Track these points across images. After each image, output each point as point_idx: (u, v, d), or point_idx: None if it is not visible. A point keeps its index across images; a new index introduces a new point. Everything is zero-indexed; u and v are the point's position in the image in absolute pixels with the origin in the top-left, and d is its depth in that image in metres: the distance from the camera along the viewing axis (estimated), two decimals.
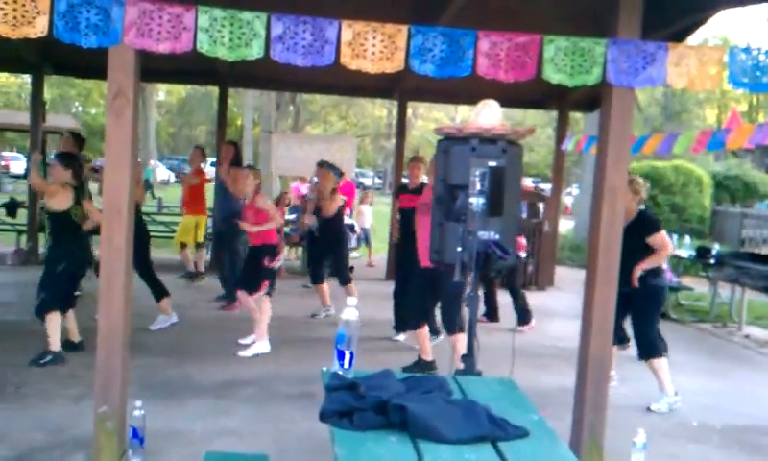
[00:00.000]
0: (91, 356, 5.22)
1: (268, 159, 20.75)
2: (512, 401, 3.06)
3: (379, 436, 2.57)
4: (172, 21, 3.80)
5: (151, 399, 4.51)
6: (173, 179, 35.78)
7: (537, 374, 6.54)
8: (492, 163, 4.00)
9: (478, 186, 3.99)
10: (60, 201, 6.19)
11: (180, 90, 41.29)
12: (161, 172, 37.89)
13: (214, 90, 35.39)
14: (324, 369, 3.16)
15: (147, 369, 5.98)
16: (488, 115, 4.24)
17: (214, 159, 11.18)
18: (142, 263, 7.09)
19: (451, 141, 4.21)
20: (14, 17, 3.71)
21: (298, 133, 23.44)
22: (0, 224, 12.47)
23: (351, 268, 11.98)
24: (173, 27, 3.80)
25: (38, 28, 3.71)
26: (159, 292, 7.49)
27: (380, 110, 41.07)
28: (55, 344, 6.12)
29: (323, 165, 8.52)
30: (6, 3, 3.70)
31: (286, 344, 7.28)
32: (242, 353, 6.82)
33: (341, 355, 3.01)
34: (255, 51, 3.91)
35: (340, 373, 2.97)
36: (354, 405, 2.66)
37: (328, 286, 8.71)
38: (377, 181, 42.88)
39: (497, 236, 4.05)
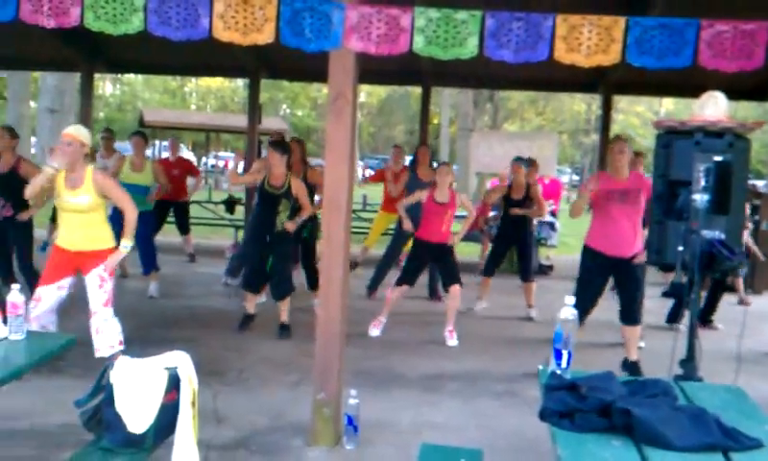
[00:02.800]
0: (307, 344, 5.51)
1: (465, 157, 20.91)
2: (742, 411, 2.88)
3: (601, 439, 2.51)
4: (389, 24, 3.91)
5: (358, 388, 4.65)
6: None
7: (760, 383, 6.11)
8: (718, 158, 3.79)
9: (702, 182, 3.79)
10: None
11: (381, 92, 42.35)
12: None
13: (413, 91, 36.17)
14: (541, 368, 3.13)
15: (353, 359, 6.18)
16: (713, 108, 4.02)
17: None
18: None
19: (673, 135, 4.03)
20: (245, 25, 3.98)
21: (497, 131, 23.31)
22: (219, 220, 13.36)
23: (551, 266, 11.84)
24: (390, 29, 3.91)
25: (266, 35, 3.95)
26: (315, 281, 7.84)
27: (579, 105, 40.03)
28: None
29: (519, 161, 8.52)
30: (236, 12, 3.97)
31: (491, 341, 7.29)
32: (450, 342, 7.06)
33: (558, 355, 2.97)
34: (469, 49, 3.94)
35: (558, 372, 2.93)
36: (575, 406, 2.61)
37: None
38: (575, 177, 41.79)
39: (722, 235, 3.83)
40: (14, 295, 3.37)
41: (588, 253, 6.23)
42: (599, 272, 6.20)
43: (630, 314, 6.18)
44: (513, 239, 8.60)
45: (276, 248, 6.86)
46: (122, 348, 5.19)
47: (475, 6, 4.01)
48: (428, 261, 7.62)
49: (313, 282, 7.94)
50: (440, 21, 3.93)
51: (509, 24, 3.95)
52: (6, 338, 3.37)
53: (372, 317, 7.32)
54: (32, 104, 19.91)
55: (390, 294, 7.45)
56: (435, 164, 9.26)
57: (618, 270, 6.13)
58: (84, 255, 5.15)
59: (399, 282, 7.36)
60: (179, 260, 10.77)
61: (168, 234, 11.29)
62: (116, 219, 5.47)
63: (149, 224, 8.17)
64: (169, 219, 10.71)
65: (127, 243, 5.19)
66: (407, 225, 7.51)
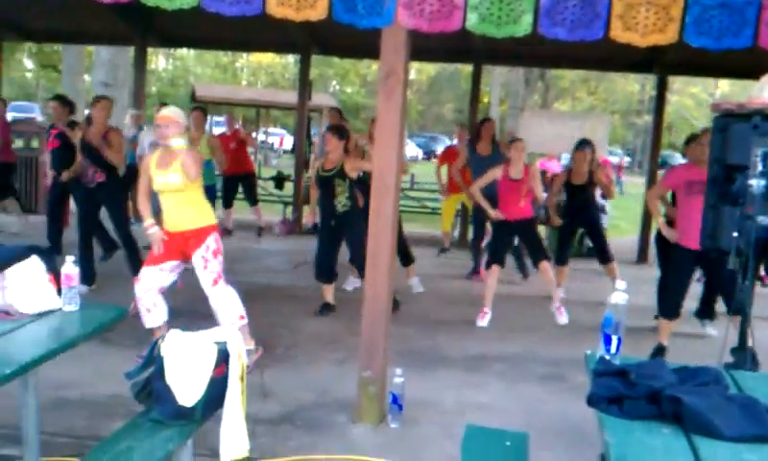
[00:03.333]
0: (353, 322, 5.54)
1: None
2: None
3: (650, 426, 2.47)
4: (443, 1, 3.87)
5: (403, 367, 4.66)
6: (421, 156, 36.66)
7: None
8: None
9: (760, 167, 3.68)
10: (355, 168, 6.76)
11: (430, 69, 42.15)
12: (411, 149, 38.97)
13: (462, 68, 35.93)
14: (589, 353, 3.09)
15: (399, 338, 6.18)
16: None
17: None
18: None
19: (730, 118, 3.92)
20: (298, 1, 3.97)
21: (549, 110, 23.06)
22: (268, 196, 13.47)
23: None
24: (443, 6, 3.87)
25: (319, 11, 3.94)
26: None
27: (632, 85, 39.39)
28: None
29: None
30: None
31: (538, 323, 7.24)
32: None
33: (608, 340, 2.92)
34: (523, 27, 3.88)
35: (607, 358, 2.89)
36: (624, 393, 2.57)
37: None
38: (626, 159, 41.21)
39: None
40: (69, 267, 3.43)
41: (678, 251, 6.08)
42: (689, 267, 6.07)
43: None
44: (579, 222, 8.37)
45: (346, 231, 6.84)
46: (244, 321, 5.22)
47: None
48: (511, 239, 7.55)
49: (405, 260, 7.95)
50: None
51: (564, 2, 3.88)
52: (60, 309, 3.44)
53: (422, 295, 7.31)
54: (86, 77, 20.23)
55: (486, 280, 7.36)
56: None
57: (705, 264, 6.02)
58: (187, 236, 5.10)
59: (489, 265, 7.29)
60: (236, 236, 10.88)
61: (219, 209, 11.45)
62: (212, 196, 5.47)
63: (211, 198, 8.29)
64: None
65: None
66: (491, 212, 7.35)
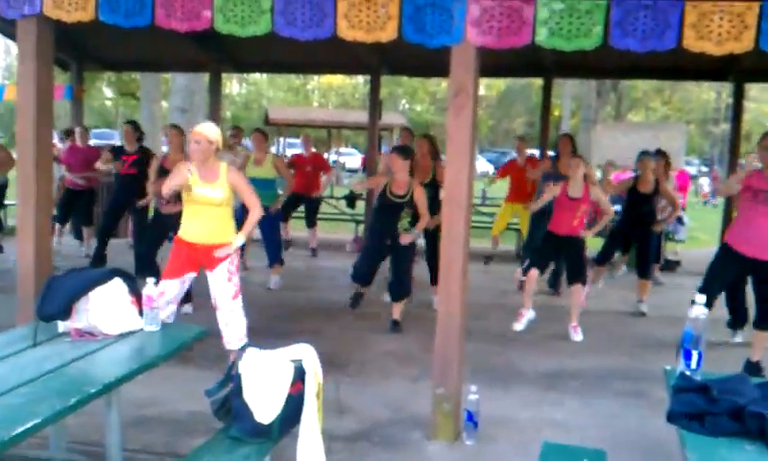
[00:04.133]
0: (427, 339, 5.54)
1: (587, 150, 20.43)
2: None
3: (733, 443, 2.42)
4: (512, 16, 3.87)
5: (477, 383, 4.63)
6: (491, 171, 36.45)
7: None
8: None
9: None
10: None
11: (500, 84, 41.99)
12: (481, 164, 38.79)
13: (533, 81, 35.66)
14: (669, 368, 3.03)
15: (471, 354, 6.14)
16: None
17: (533, 152, 11.17)
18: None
19: None
20: (368, 23, 4.03)
21: (622, 122, 22.69)
22: (340, 214, 13.60)
23: (678, 262, 11.40)
24: (512, 22, 3.88)
25: (389, 32, 3.99)
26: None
27: (708, 93, 38.45)
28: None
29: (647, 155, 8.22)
30: (360, 11, 4.03)
31: (614, 338, 7.12)
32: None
33: (688, 355, 2.87)
34: (594, 40, 3.85)
35: (687, 373, 2.83)
36: (706, 409, 2.52)
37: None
38: (703, 169, 40.17)
39: None
40: (150, 288, 3.54)
41: (724, 248, 6.01)
42: (732, 269, 5.98)
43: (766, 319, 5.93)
44: (633, 235, 8.26)
45: (397, 248, 6.90)
46: (244, 341, 5.28)
47: None
48: (556, 253, 7.47)
49: (435, 278, 7.90)
50: (563, 12, 3.86)
51: (635, 12, 3.84)
52: (141, 329, 3.55)
53: (490, 311, 7.28)
54: (163, 103, 20.83)
55: (524, 285, 7.36)
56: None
57: (756, 272, 5.87)
58: (211, 250, 5.19)
59: (527, 270, 7.26)
60: (301, 254, 11.01)
61: (293, 228, 11.62)
62: (240, 215, 5.61)
63: (275, 217, 8.43)
64: (295, 213, 11.01)
65: (241, 238, 5.26)
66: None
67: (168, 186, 5.27)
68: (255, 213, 5.29)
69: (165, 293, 5.23)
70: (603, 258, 8.43)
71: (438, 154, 7.87)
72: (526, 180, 9.62)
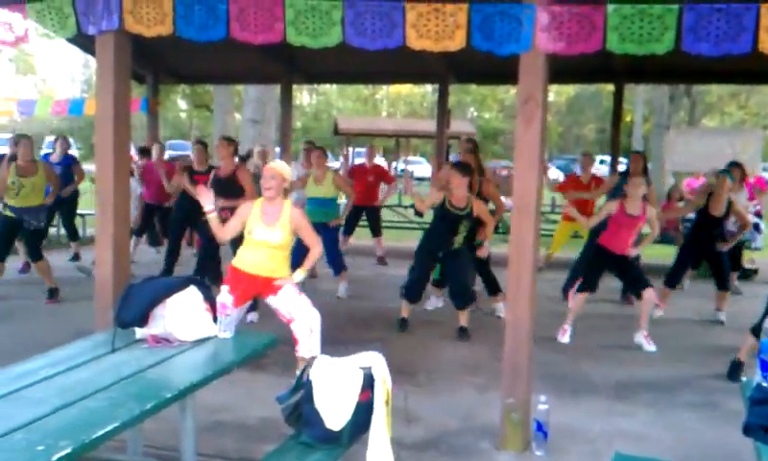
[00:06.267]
0: (494, 347, 5.52)
1: (660, 156, 20.02)
2: None
3: None
4: (581, 22, 3.84)
5: (546, 393, 4.58)
6: (561, 178, 35.96)
7: None
8: None
9: None
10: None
11: (570, 89, 41.50)
12: (551, 172, 38.30)
13: (603, 87, 35.08)
14: (745, 380, 2.96)
15: (540, 364, 6.08)
16: None
17: (604, 158, 10.99)
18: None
19: None
20: (436, 32, 4.05)
21: (696, 127, 22.17)
22: (407, 223, 13.63)
23: (755, 270, 11.07)
24: (582, 28, 3.85)
25: (458, 41, 4.00)
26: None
27: None
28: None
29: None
30: (428, 20, 4.05)
31: (686, 348, 6.97)
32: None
33: (765, 367, 2.79)
34: (666, 44, 3.80)
35: (764, 385, 2.76)
36: None
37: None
38: None
39: None
40: (224, 296, 3.62)
41: None
42: None
43: None
44: (703, 254, 8.06)
45: (452, 259, 6.91)
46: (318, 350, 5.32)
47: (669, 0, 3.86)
48: (608, 269, 7.34)
49: (492, 288, 7.87)
50: (634, 17, 3.81)
51: (708, 16, 3.77)
52: (215, 336, 3.63)
53: (561, 320, 7.20)
54: (236, 115, 21.24)
55: (573, 303, 7.33)
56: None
57: None
58: (269, 281, 5.18)
59: (581, 290, 7.19)
60: (369, 262, 11.08)
61: (360, 237, 11.68)
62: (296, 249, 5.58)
63: (335, 230, 8.50)
64: (361, 222, 11.07)
65: (300, 275, 5.23)
66: None
67: (231, 226, 5.28)
68: (315, 252, 5.31)
69: (229, 316, 5.31)
70: (673, 281, 8.13)
71: (482, 168, 7.86)
72: (587, 199, 9.39)
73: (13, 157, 8.16)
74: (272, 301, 5.24)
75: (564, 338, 7.06)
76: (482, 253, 6.81)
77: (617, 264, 7.11)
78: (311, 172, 8.66)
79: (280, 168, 5.22)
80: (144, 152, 10.73)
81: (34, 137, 8.39)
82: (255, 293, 5.35)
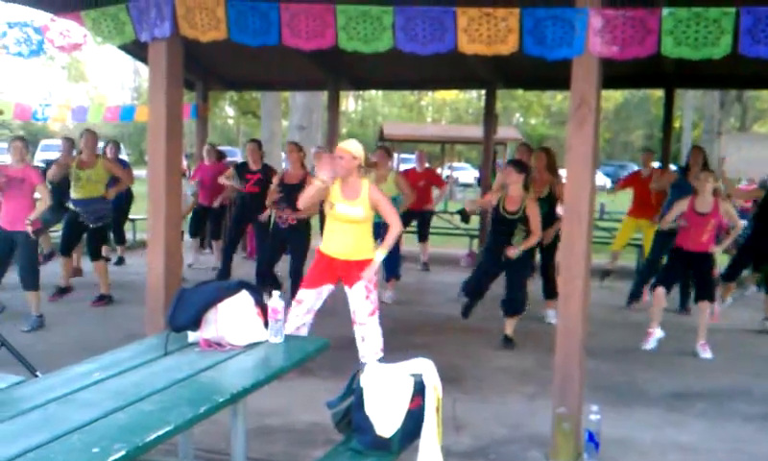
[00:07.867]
0: (543, 355, 5.45)
1: (711, 162, 19.64)
2: None
3: None
4: (635, 26, 3.79)
5: (598, 403, 4.51)
6: (609, 185, 35.53)
7: None
8: None
9: None
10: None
11: (617, 96, 41.05)
12: (599, 178, 37.81)
13: (652, 93, 34.62)
14: None
15: (592, 373, 5.99)
16: None
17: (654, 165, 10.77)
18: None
19: None
20: (488, 36, 4.02)
21: (747, 133, 21.73)
22: (454, 229, 13.57)
23: None
24: (636, 32, 3.79)
25: (510, 45, 3.97)
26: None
27: None
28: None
29: None
30: (480, 25, 4.03)
31: (743, 358, 6.83)
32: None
33: None
34: (722, 48, 3.72)
35: None
36: None
37: None
38: None
39: None
40: (275, 300, 3.64)
41: None
42: None
43: None
44: (763, 250, 7.94)
45: (511, 264, 6.80)
46: (381, 355, 5.33)
47: (725, 3, 3.78)
48: (685, 270, 7.22)
49: (549, 291, 7.79)
50: (690, 21, 3.74)
51: (767, 19, 3.68)
52: (266, 341, 3.65)
53: (614, 329, 7.10)
54: (283, 121, 21.42)
55: (653, 299, 7.15)
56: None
57: None
58: (350, 265, 5.31)
59: (655, 287, 7.07)
60: (413, 268, 11.05)
61: (404, 243, 11.67)
62: (377, 229, 5.65)
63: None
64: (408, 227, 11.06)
65: (381, 254, 5.32)
66: None
67: (304, 198, 5.44)
68: (395, 230, 5.37)
69: (303, 302, 5.43)
70: (732, 275, 8.10)
71: (556, 168, 7.74)
72: (650, 193, 9.28)
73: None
74: (348, 294, 5.38)
75: (649, 344, 6.94)
76: (510, 252, 6.66)
77: (692, 262, 6.98)
78: (372, 172, 8.71)
79: (348, 147, 5.30)
80: (219, 155, 10.80)
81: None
82: (335, 277, 5.46)
